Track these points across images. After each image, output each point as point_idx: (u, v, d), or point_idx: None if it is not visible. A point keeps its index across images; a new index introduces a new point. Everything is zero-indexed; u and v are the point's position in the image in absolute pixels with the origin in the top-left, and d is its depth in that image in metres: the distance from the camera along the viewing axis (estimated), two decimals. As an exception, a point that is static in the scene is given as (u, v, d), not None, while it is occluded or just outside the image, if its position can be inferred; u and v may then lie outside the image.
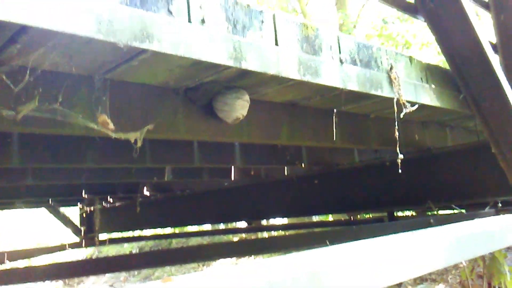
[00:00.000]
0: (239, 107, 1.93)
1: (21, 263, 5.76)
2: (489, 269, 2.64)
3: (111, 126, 1.37)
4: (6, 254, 5.53)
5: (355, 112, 2.61)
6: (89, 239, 6.19)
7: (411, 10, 2.33)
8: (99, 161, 2.47)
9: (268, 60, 1.49)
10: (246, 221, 6.11)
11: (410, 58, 2.20)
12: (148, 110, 1.71)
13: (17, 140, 2.13)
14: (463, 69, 2.34)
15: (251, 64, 1.43)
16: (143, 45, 1.18)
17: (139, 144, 1.51)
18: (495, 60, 2.42)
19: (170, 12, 1.26)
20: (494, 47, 2.69)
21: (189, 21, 1.30)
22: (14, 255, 5.73)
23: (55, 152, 2.33)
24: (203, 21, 1.33)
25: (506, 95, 2.29)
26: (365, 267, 1.23)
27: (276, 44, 1.55)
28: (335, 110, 2.51)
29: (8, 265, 5.41)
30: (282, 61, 1.52)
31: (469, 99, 2.35)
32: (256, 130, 2.16)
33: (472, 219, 2.31)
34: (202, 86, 1.86)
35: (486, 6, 2.89)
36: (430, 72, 2.32)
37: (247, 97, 1.93)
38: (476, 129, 3.40)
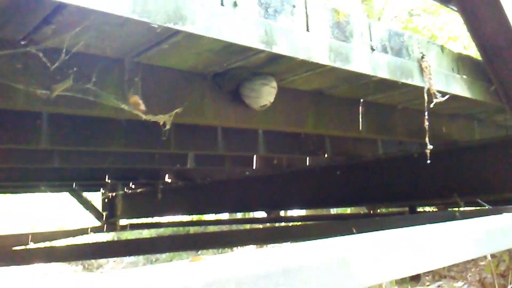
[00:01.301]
0: (266, 93, 1.93)
1: (43, 245, 5.89)
2: (515, 265, 2.59)
3: (142, 107, 1.38)
4: (30, 236, 5.66)
5: (382, 102, 2.57)
6: (111, 224, 6.29)
7: (445, 0, 2.28)
8: (125, 145, 2.50)
9: (298, 44, 1.47)
10: (265, 211, 6.12)
11: (442, 47, 2.16)
12: (176, 94, 1.72)
13: (46, 122, 2.16)
14: (495, 60, 2.28)
15: (281, 48, 1.42)
16: (177, 26, 1.18)
17: (167, 126, 1.51)
18: (528, 52, 2.36)
19: (203, -6, 1.25)
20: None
21: (222, 4, 1.29)
22: (37, 237, 5.87)
23: (82, 134, 2.37)
24: (235, 4, 1.32)
25: (539, 87, 2.23)
26: (393, 255, 1.22)
27: (307, 29, 1.53)
28: (361, 100, 2.48)
29: (31, 246, 5.54)
30: (313, 46, 1.51)
31: (500, 91, 2.30)
32: (282, 117, 2.15)
33: (500, 214, 2.27)
34: (230, 72, 1.86)
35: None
36: (462, 62, 2.27)
37: (274, 84, 1.92)
38: (506, 123, 3.32)
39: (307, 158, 4.22)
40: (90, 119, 2.28)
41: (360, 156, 3.72)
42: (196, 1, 1.22)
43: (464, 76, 2.21)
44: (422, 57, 1.94)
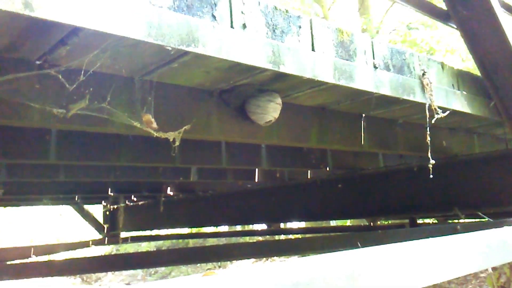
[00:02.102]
0: (271, 109, 1.97)
1: (44, 258, 5.90)
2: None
3: (155, 125, 1.43)
4: (32, 249, 5.67)
5: (383, 117, 2.62)
6: (112, 237, 6.30)
7: (444, 17, 2.34)
8: (131, 160, 2.54)
9: (304, 64, 1.52)
10: (266, 224, 6.14)
11: (442, 64, 2.21)
12: (184, 111, 1.76)
13: (54, 137, 2.21)
14: (493, 76, 2.34)
15: (288, 67, 1.47)
16: (189, 48, 1.22)
17: (177, 143, 1.56)
18: (526, 68, 2.41)
19: (214, 17, 1.31)
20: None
21: (232, 26, 1.34)
22: (38, 250, 5.87)
23: (89, 150, 2.41)
24: (244, 26, 1.37)
25: (537, 103, 2.28)
26: (399, 269, 1.26)
27: (313, 48, 1.58)
28: (363, 115, 2.53)
29: (33, 259, 5.55)
30: (318, 65, 1.56)
31: (499, 106, 2.35)
32: (286, 132, 2.20)
33: (501, 227, 2.30)
34: (236, 89, 1.91)
35: (517, 14, 2.87)
36: (462, 79, 2.32)
37: (279, 100, 1.97)
38: (505, 137, 3.37)
39: (309, 171, 4.26)
40: (98, 134, 2.32)
41: (361, 169, 3.76)
42: (207, 24, 1.27)
43: (464, 92, 2.27)
44: (423, 74, 1.99)
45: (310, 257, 1.23)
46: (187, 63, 1.49)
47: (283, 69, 1.45)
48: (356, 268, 1.16)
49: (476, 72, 2.51)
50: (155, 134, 1.46)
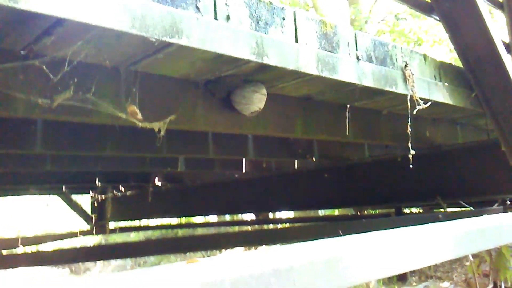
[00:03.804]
0: (256, 100, 2.00)
1: (32, 249, 5.89)
2: (496, 265, 2.70)
3: (139, 116, 1.44)
4: (19, 240, 5.65)
5: (367, 107, 2.66)
6: (100, 227, 6.30)
7: (427, 10, 2.37)
8: (118, 149, 2.55)
9: (288, 55, 1.54)
10: (254, 214, 6.19)
11: (424, 56, 2.25)
12: (170, 101, 1.78)
13: (40, 127, 2.21)
14: (475, 67, 2.38)
15: (272, 59, 1.49)
16: (173, 40, 1.24)
17: (162, 133, 1.57)
18: (507, 60, 2.46)
19: (197, 9, 1.32)
20: (507, 46, 2.73)
21: (215, 18, 1.36)
22: (26, 241, 5.86)
23: (76, 139, 2.41)
24: (228, 17, 1.39)
25: (517, 94, 2.33)
26: (378, 255, 1.29)
27: (296, 40, 1.61)
28: (348, 106, 2.56)
29: (20, 250, 5.54)
30: (302, 57, 1.58)
31: (480, 97, 2.40)
32: (271, 123, 2.22)
33: (481, 215, 2.36)
34: (221, 79, 1.92)
35: (500, 6, 2.92)
36: (444, 70, 2.36)
37: (264, 91, 1.99)
38: (487, 128, 3.43)
39: (295, 161, 4.30)
40: (84, 124, 2.32)
41: (347, 159, 3.81)
42: (191, 16, 1.29)
43: (446, 84, 2.31)
44: (406, 66, 2.03)
45: (291, 245, 1.27)
46: (171, 54, 1.50)
47: (266, 60, 1.47)
48: (336, 254, 1.19)
49: (459, 64, 2.55)
50: (140, 124, 1.47)
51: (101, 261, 10.73)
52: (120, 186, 5.58)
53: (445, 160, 3.24)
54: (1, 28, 1.29)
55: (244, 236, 4.73)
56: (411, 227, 1.72)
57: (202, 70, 1.76)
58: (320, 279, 1.10)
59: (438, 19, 2.35)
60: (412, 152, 2.17)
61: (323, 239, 1.35)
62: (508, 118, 2.41)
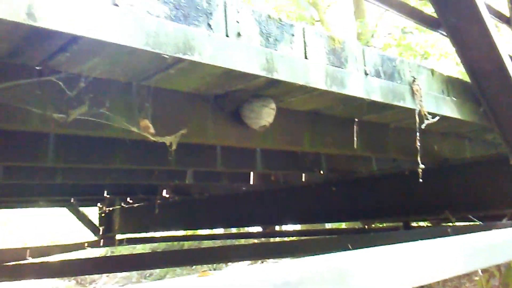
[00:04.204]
0: (265, 115, 2.02)
1: (39, 260, 5.91)
2: (505, 280, 2.68)
3: (152, 130, 1.47)
4: (27, 251, 5.68)
5: (375, 121, 2.67)
6: (108, 239, 6.32)
7: (434, 25, 2.39)
8: (127, 163, 2.58)
9: (297, 71, 1.57)
10: (261, 226, 6.17)
11: (432, 71, 2.27)
12: (181, 116, 1.81)
13: (52, 140, 2.24)
14: (483, 82, 2.39)
15: (281, 75, 1.51)
16: (186, 57, 1.27)
17: (174, 147, 1.60)
18: (515, 74, 2.47)
19: (209, 26, 1.35)
20: (514, 61, 2.74)
21: (227, 35, 1.39)
22: (34, 252, 5.88)
23: (86, 152, 2.45)
24: (239, 34, 1.42)
25: (525, 109, 2.34)
26: (388, 270, 1.30)
27: (305, 56, 1.63)
28: (356, 119, 2.58)
29: (27, 261, 5.56)
30: (311, 72, 1.61)
31: (488, 112, 2.41)
32: (280, 136, 2.24)
33: (490, 230, 2.36)
34: (231, 94, 1.95)
35: (507, 21, 2.94)
36: (451, 85, 2.38)
37: (273, 105, 2.01)
38: (495, 141, 3.43)
39: (303, 174, 4.31)
40: (94, 138, 2.35)
41: (354, 172, 3.81)
42: (203, 33, 1.32)
43: (454, 98, 2.32)
44: (414, 81, 2.05)
45: (301, 258, 1.28)
46: (183, 69, 1.53)
47: (276, 76, 1.49)
48: (346, 268, 1.20)
49: (467, 78, 2.57)
50: (153, 138, 1.50)
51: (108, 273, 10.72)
52: (128, 198, 5.60)
53: (453, 174, 3.23)
54: (18, 45, 1.33)
55: (251, 249, 4.72)
56: (420, 241, 1.72)
57: (212, 85, 1.79)
58: (330, 292, 1.11)
59: (445, 34, 2.38)
60: (422, 166, 2.18)
61: (333, 253, 1.36)
62: (516, 132, 2.41)
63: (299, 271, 1.08)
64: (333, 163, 3.59)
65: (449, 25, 2.30)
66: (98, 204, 6.20)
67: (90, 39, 1.12)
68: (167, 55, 1.22)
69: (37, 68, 1.43)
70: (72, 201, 5.59)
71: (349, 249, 1.55)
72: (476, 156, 3.34)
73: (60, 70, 1.40)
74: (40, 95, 1.34)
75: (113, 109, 1.45)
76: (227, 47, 1.37)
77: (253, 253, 4.73)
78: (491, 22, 2.42)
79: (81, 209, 6.49)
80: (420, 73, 2.16)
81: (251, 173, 4.21)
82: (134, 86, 1.56)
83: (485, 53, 2.36)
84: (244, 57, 1.40)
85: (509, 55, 2.53)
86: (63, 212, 6.68)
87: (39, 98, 1.34)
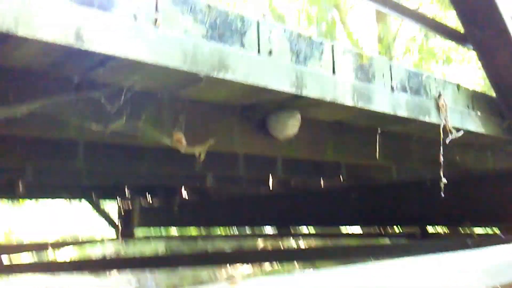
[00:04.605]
0: (290, 126, 2.05)
1: (62, 253, 6.04)
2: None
3: (184, 143, 1.52)
4: (48, 245, 5.82)
5: (398, 132, 2.68)
6: (126, 235, 6.43)
7: (461, 40, 2.40)
8: (152, 167, 2.64)
9: (326, 87, 1.60)
10: (276, 228, 6.21)
11: (458, 86, 2.27)
12: (209, 126, 1.85)
13: (82, 145, 2.32)
14: (508, 95, 2.39)
15: (310, 91, 1.55)
16: (220, 75, 1.32)
17: (202, 157, 1.65)
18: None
19: (242, 45, 1.40)
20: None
21: (259, 52, 1.43)
22: (55, 245, 6.02)
23: (115, 156, 2.51)
24: (270, 52, 1.46)
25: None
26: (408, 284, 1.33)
27: (334, 72, 1.67)
28: (379, 130, 2.59)
29: (50, 254, 5.69)
30: (339, 88, 1.64)
31: (513, 126, 2.41)
32: (303, 146, 2.27)
33: (509, 242, 2.35)
34: (258, 105, 1.99)
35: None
36: (476, 99, 2.38)
37: (298, 117, 2.05)
38: (518, 154, 3.40)
39: (322, 179, 4.33)
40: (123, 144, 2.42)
41: (374, 179, 3.82)
42: (237, 52, 1.36)
43: (479, 113, 2.33)
44: (439, 96, 2.06)
45: (332, 268, 1.31)
46: (214, 83, 1.57)
47: (305, 92, 1.53)
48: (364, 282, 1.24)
49: (491, 92, 2.56)
50: (183, 151, 1.55)
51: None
52: (148, 197, 5.70)
53: (474, 185, 3.23)
54: (60, 58, 1.39)
55: (267, 253, 4.76)
56: (439, 255, 1.74)
57: (240, 97, 1.83)
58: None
59: (472, 48, 2.38)
60: (444, 181, 2.19)
61: (352, 266, 1.39)
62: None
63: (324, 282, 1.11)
64: (353, 170, 3.60)
65: (475, 40, 2.30)
66: (118, 200, 6.31)
67: (128, 59, 1.17)
68: (203, 73, 1.27)
69: (76, 81, 1.49)
70: (93, 196, 5.70)
71: (366, 258, 1.58)
72: (498, 168, 3.32)
73: (97, 83, 1.45)
74: (80, 109, 1.39)
75: (148, 122, 1.51)
76: (259, 65, 1.41)
77: (269, 257, 4.77)
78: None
79: (102, 204, 6.63)
80: (446, 88, 2.17)
81: (270, 177, 4.25)
82: (167, 100, 1.61)
83: (510, 66, 2.36)
84: (275, 74, 1.45)
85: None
86: (84, 207, 6.80)
87: (79, 111, 1.40)
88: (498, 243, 2.42)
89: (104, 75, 1.33)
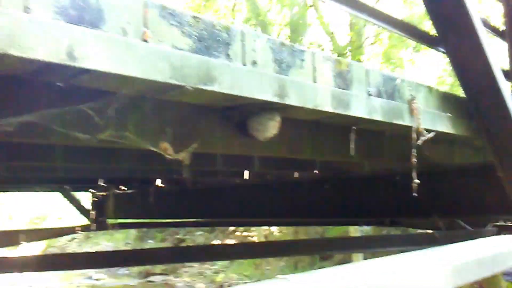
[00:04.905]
0: (271, 127, 2.11)
1: (35, 244, 5.98)
2: (487, 285, 2.83)
3: (171, 151, 1.55)
4: (19, 234, 5.74)
5: (372, 129, 2.77)
6: (100, 223, 6.39)
7: (433, 43, 2.48)
8: (130, 164, 2.65)
9: (307, 95, 1.66)
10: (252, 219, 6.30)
11: (430, 88, 2.37)
12: (191, 129, 1.88)
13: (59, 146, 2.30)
14: (477, 99, 2.51)
15: (292, 100, 1.60)
16: (206, 87, 1.35)
17: (187, 162, 1.68)
18: (506, 91, 2.59)
19: (228, 56, 1.43)
20: (507, 73, 2.85)
21: (244, 63, 1.47)
22: (27, 236, 5.94)
23: (91, 154, 2.51)
24: (254, 62, 1.50)
25: (514, 125, 2.46)
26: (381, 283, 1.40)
27: (314, 80, 1.72)
28: (353, 128, 2.68)
29: (23, 245, 5.62)
30: (319, 96, 1.70)
31: (482, 128, 2.52)
32: (283, 146, 2.33)
33: (476, 237, 2.50)
34: (239, 107, 2.03)
35: (501, 35, 3.05)
36: (448, 101, 2.49)
37: (279, 118, 2.10)
38: (484, 148, 3.56)
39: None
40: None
41: (347, 172, 3.93)
42: (223, 63, 1.39)
43: (449, 114, 2.43)
44: (412, 99, 2.15)
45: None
46: (201, 94, 1.60)
47: (288, 101, 1.58)
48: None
49: (461, 92, 2.67)
50: (169, 157, 1.58)
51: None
52: (122, 186, 5.67)
53: (442, 179, 3.37)
54: (44, 66, 1.39)
55: (250, 248, 4.85)
56: (401, 255, 1.80)
57: (223, 101, 1.86)
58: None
59: (443, 51, 2.47)
60: (417, 181, 2.29)
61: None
62: (506, 146, 2.54)
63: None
64: (327, 164, 3.70)
65: (447, 43, 2.39)
66: (91, 190, 6.25)
67: (118, 74, 1.19)
68: (190, 86, 1.30)
69: (59, 84, 1.49)
70: (66, 186, 5.64)
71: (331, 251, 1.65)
72: (465, 162, 3.48)
73: (83, 88, 1.46)
74: (67, 119, 1.40)
75: (135, 131, 1.53)
76: (244, 75, 1.45)
77: (252, 252, 4.86)
78: (486, 38, 2.52)
79: (74, 193, 6.55)
80: (418, 90, 2.26)
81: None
82: (152, 109, 1.63)
83: (480, 71, 2.46)
84: (259, 85, 1.49)
85: (501, 68, 2.64)
86: (56, 196, 6.71)
87: (66, 121, 1.40)
88: (465, 238, 2.56)
89: (91, 84, 1.34)
